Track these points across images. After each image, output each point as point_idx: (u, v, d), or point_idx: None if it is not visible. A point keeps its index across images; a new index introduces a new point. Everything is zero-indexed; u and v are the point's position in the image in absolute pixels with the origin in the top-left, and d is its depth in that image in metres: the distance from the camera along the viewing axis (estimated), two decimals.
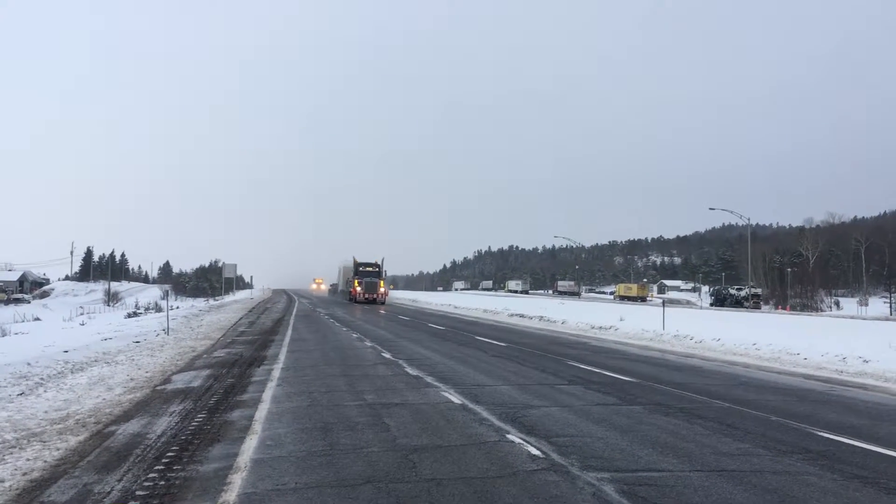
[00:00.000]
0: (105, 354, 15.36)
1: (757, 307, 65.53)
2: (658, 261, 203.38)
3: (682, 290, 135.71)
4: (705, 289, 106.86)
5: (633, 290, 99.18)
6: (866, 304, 66.29)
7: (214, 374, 12.72)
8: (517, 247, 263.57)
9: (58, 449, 6.94)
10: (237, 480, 5.62)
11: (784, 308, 71.02)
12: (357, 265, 57.77)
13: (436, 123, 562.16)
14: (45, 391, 10.43)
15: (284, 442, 7.01)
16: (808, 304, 77.02)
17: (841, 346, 15.37)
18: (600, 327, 25.49)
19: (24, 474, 6.01)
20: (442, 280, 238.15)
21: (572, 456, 6.38)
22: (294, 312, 39.99)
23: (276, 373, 12.71)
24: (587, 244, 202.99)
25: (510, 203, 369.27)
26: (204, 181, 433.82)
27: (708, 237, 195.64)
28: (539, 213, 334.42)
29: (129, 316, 44.06)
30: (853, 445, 7.09)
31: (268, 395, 10.13)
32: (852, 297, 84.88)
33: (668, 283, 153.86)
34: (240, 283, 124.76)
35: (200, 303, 65.32)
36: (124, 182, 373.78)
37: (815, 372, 13.72)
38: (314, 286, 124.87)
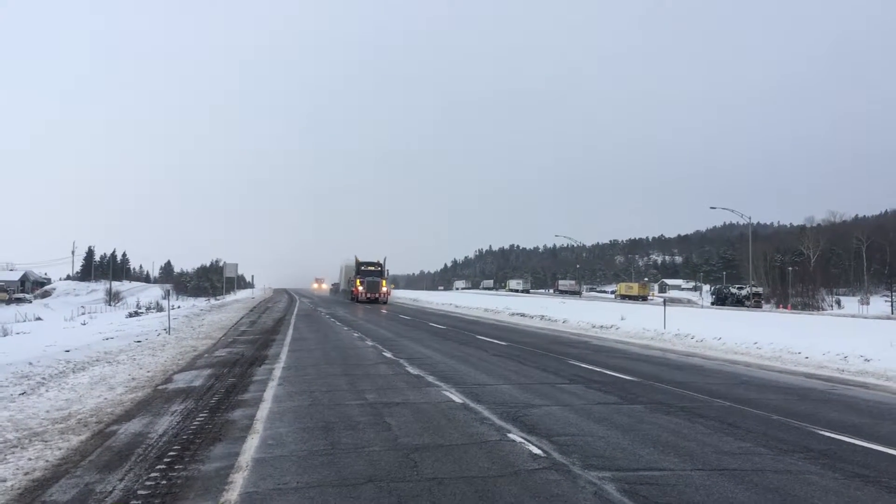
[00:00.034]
0: (106, 354, 15.38)
1: (758, 306, 65.48)
2: (659, 260, 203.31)
3: (683, 289, 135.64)
4: (706, 288, 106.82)
5: (634, 289, 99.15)
6: (867, 303, 66.23)
7: (216, 374, 12.73)
8: (518, 246, 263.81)
9: (59, 448, 6.95)
10: (239, 480, 5.63)
11: (785, 307, 71.00)
12: (359, 264, 57.32)
13: (436, 123, 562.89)
14: (46, 391, 10.44)
15: (286, 441, 7.02)
16: (809, 303, 77.03)
17: (842, 345, 15.35)
18: (601, 326, 25.48)
19: (26, 474, 6.01)
20: (443, 279, 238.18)
21: (573, 455, 6.39)
22: (295, 312, 40.00)
23: (278, 372, 12.72)
24: (588, 243, 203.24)
25: (510, 202, 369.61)
26: (204, 181, 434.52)
27: (709, 236, 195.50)
28: (540, 213, 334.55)
29: (131, 315, 44.08)
30: (854, 444, 7.09)
31: (269, 394, 10.14)
32: (853, 295, 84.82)
33: (670, 282, 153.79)
34: (241, 283, 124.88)
35: (202, 302, 65.37)
36: (124, 182, 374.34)
37: (817, 371, 13.72)
38: (315, 286, 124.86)
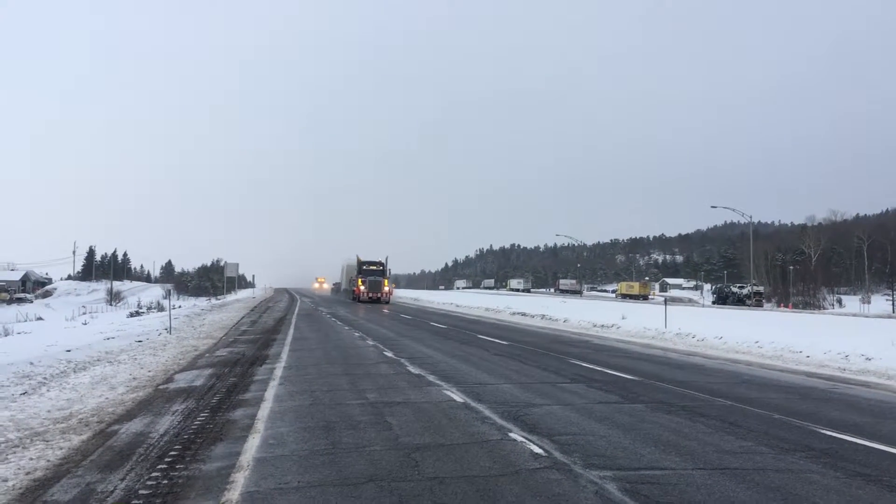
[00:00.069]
0: (107, 354, 15.39)
1: (759, 305, 65.43)
2: (660, 259, 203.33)
3: (684, 289, 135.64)
4: (707, 287, 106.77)
5: (635, 288, 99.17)
6: (869, 302, 66.17)
7: (217, 373, 12.74)
8: (519, 245, 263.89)
9: (61, 448, 6.95)
10: (240, 479, 5.63)
11: (786, 306, 70.93)
12: (361, 263, 56.97)
13: (436, 123, 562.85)
14: (48, 390, 10.45)
15: (287, 441, 7.02)
16: (810, 302, 76.95)
17: (843, 343, 15.34)
18: (602, 325, 25.47)
19: (28, 473, 6.02)
20: (444, 279, 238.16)
21: (575, 454, 6.38)
22: (296, 311, 40.02)
23: (279, 371, 12.73)
24: (589, 242, 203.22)
25: (511, 202, 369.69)
26: (204, 181, 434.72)
27: (710, 235, 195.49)
28: (540, 212, 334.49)
29: (132, 315, 44.11)
30: (856, 443, 7.09)
31: (270, 393, 10.15)
32: (854, 294, 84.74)
33: (670, 281, 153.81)
34: (241, 283, 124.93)
35: (202, 302, 65.39)
36: (125, 182, 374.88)
37: (818, 370, 13.71)
38: (316, 285, 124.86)
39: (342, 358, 15.16)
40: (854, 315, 42.45)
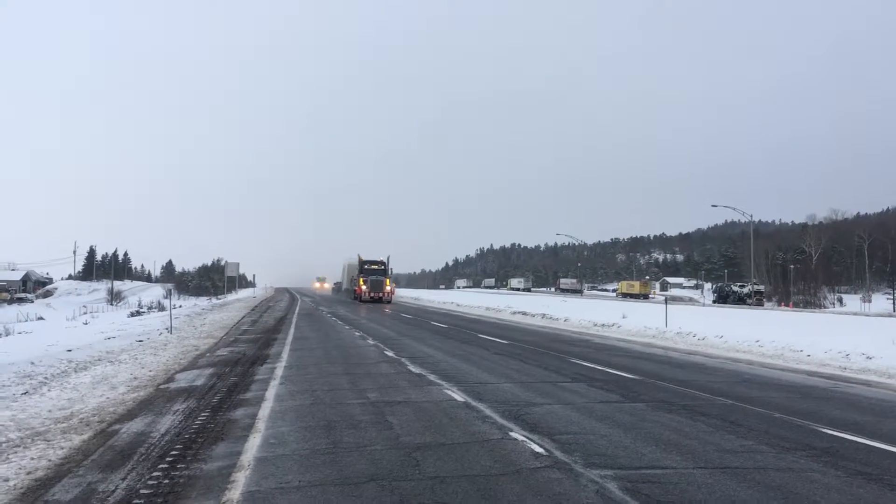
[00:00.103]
0: (108, 353, 15.39)
1: (760, 304, 65.41)
2: (660, 258, 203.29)
3: (684, 288, 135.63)
4: (708, 286, 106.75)
5: (636, 287, 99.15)
6: (869, 301, 66.19)
7: (217, 373, 12.75)
8: (519, 244, 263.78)
9: (62, 448, 6.95)
10: (241, 479, 5.63)
11: (787, 305, 70.92)
12: (362, 263, 56.50)
13: (436, 123, 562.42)
14: (48, 390, 10.45)
15: (288, 440, 7.02)
16: (810, 301, 76.93)
17: (844, 342, 15.33)
18: (603, 325, 25.47)
19: (29, 473, 6.02)
20: (444, 278, 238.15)
21: (575, 453, 6.38)
22: (296, 311, 40.03)
23: (279, 371, 12.73)
24: (589, 242, 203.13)
25: (511, 202, 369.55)
26: (204, 181, 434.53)
27: (710, 234, 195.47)
28: (540, 212, 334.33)
29: (132, 315, 44.12)
30: (857, 442, 7.08)
31: (271, 393, 10.15)
32: (855, 293, 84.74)
33: (671, 280, 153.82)
34: (242, 282, 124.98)
35: (203, 301, 65.36)
36: (125, 182, 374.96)
37: (819, 369, 13.70)
38: (317, 285, 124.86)
39: (343, 357, 15.16)
40: (855, 314, 42.43)
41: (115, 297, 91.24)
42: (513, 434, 7.19)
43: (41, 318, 52.57)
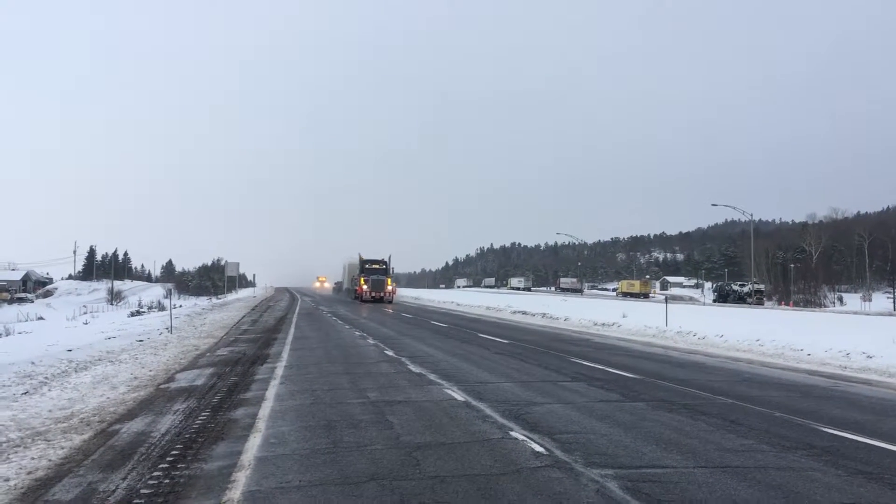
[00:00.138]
0: (109, 353, 15.40)
1: (760, 303, 65.44)
2: (661, 257, 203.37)
3: (684, 287, 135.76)
4: (708, 285, 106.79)
5: (636, 286, 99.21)
6: (870, 300, 66.23)
7: (218, 373, 12.75)
8: (519, 244, 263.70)
9: (62, 448, 6.95)
10: (241, 478, 5.63)
11: (787, 304, 70.94)
12: (363, 262, 56.15)
13: (436, 123, 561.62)
14: (49, 390, 10.45)
15: (288, 440, 7.02)
16: (811, 300, 76.94)
17: (844, 341, 15.33)
18: (603, 324, 25.47)
19: (29, 473, 6.02)
20: (444, 277, 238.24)
21: (576, 453, 6.38)
22: (297, 311, 40.03)
23: (280, 371, 12.73)
24: (589, 241, 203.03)
25: (511, 202, 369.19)
26: (204, 181, 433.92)
27: (710, 233, 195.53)
28: (541, 211, 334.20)
29: (133, 315, 44.12)
30: (857, 441, 7.08)
31: (271, 392, 10.15)
32: (855, 292, 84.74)
33: (671, 279, 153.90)
34: (242, 282, 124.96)
35: (203, 301, 65.36)
36: (125, 182, 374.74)
37: (819, 368, 13.70)
38: (317, 284, 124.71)
39: (343, 357, 15.17)
40: (855, 313, 42.43)
41: (115, 297, 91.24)
42: (513, 433, 7.19)
43: (41, 318, 52.57)
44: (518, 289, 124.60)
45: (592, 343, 19.51)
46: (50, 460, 6.45)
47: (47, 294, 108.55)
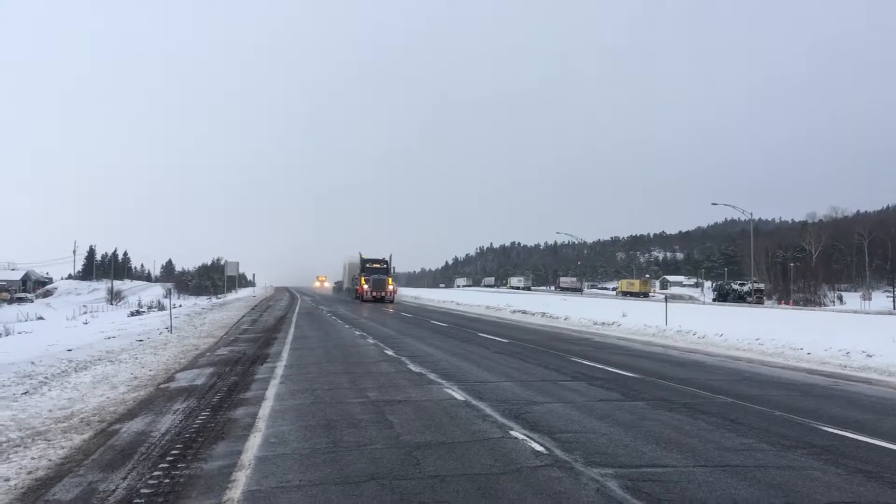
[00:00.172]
0: (108, 353, 15.40)
1: (760, 302, 65.45)
2: (660, 256, 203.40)
3: (684, 286, 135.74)
4: (708, 284, 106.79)
5: (636, 285, 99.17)
6: (869, 299, 66.22)
7: (218, 372, 12.75)
8: (519, 243, 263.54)
9: (62, 447, 6.95)
10: (241, 478, 5.63)
11: (787, 303, 70.95)
12: (364, 262, 55.72)
13: (436, 123, 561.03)
14: (49, 390, 10.45)
15: (288, 439, 7.02)
16: (810, 299, 76.92)
17: (844, 340, 15.34)
18: (603, 323, 25.48)
19: (29, 473, 6.02)
20: (444, 277, 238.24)
21: (576, 452, 6.38)
22: (296, 310, 40.04)
23: (279, 370, 12.73)
24: (589, 240, 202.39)
25: (511, 202, 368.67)
26: (204, 181, 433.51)
27: (710, 232, 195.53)
28: (540, 211, 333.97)
29: (132, 314, 44.11)
30: (857, 440, 7.09)
31: (271, 392, 10.15)
32: (855, 291, 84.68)
33: (671, 278, 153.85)
34: (242, 281, 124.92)
35: (203, 301, 65.35)
36: (125, 182, 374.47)
37: (819, 367, 13.70)
38: (317, 284, 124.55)
39: (343, 356, 15.17)
40: (855, 312, 42.44)
41: (114, 297, 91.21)
42: (513, 433, 7.19)
43: (41, 318, 52.56)
44: (518, 288, 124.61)
45: (592, 342, 19.52)
46: (50, 460, 6.45)
47: (47, 294, 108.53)
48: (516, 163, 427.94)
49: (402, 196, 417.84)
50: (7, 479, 5.81)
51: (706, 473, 5.73)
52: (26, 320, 47.05)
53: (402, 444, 6.76)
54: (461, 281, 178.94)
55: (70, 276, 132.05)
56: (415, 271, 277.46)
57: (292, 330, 23.91)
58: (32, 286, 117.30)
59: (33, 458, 6.50)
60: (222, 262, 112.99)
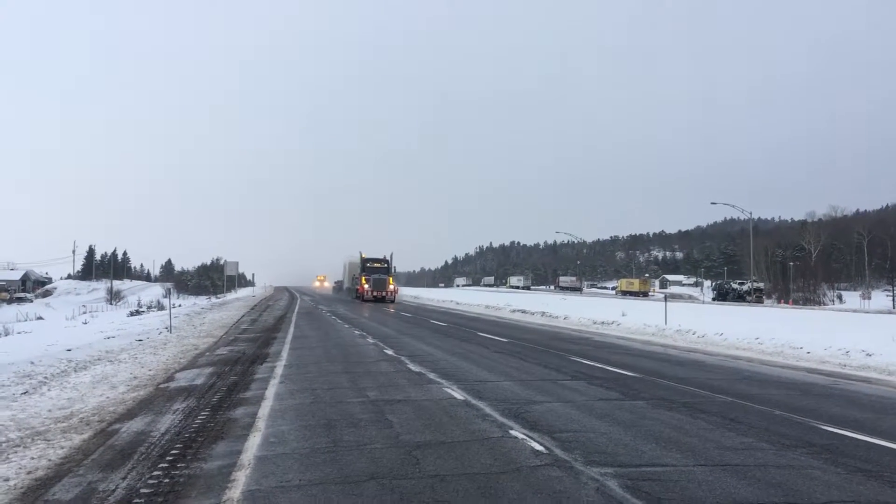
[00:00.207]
0: (108, 353, 15.39)
1: (759, 301, 65.46)
2: (660, 255, 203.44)
3: (684, 285, 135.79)
4: (707, 283, 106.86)
5: (635, 285, 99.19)
6: (869, 298, 66.21)
7: (217, 372, 12.74)
8: (518, 242, 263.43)
9: (62, 447, 6.95)
10: (241, 478, 5.63)
11: (786, 302, 70.98)
12: (364, 261, 55.33)
13: (436, 123, 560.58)
14: (48, 390, 10.45)
15: (288, 439, 7.02)
16: (810, 298, 76.90)
17: (844, 339, 15.35)
18: (602, 322, 25.48)
19: (29, 473, 6.02)
20: (443, 276, 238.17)
21: (576, 451, 6.38)
22: (296, 310, 40.03)
23: (279, 370, 12.73)
24: (589, 239, 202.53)
25: (511, 202, 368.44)
26: (204, 181, 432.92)
27: (710, 231, 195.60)
28: (540, 210, 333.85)
29: (132, 314, 44.12)
30: (857, 439, 7.09)
31: (271, 392, 10.15)
32: (855, 290, 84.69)
33: (670, 277, 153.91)
34: (241, 281, 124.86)
35: (202, 301, 65.35)
36: (124, 182, 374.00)
37: (819, 366, 13.71)
38: (317, 283, 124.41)
39: (342, 356, 15.17)
40: (854, 311, 42.46)
41: (114, 297, 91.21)
42: (513, 432, 7.19)
43: (40, 318, 52.56)
44: (517, 287, 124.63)
45: (592, 342, 19.52)
46: (50, 460, 6.45)
47: (46, 294, 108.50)
48: (516, 163, 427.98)
49: (402, 196, 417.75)
50: (7, 479, 5.80)
51: (706, 472, 5.73)
52: (25, 320, 47.04)
53: (401, 443, 6.76)
54: (460, 280, 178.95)
55: (69, 276, 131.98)
56: (414, 271, 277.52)
57: (292, 329, 23.91)
58: (32, 286, 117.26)
59: (33, 458, 6.49)
60: (222, 262, 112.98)
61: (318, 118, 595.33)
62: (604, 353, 15.93)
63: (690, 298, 79.25)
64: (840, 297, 79.94)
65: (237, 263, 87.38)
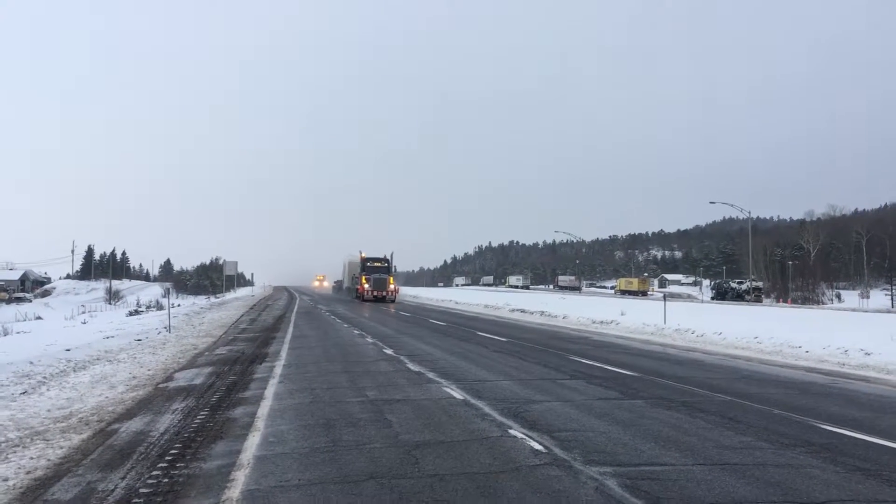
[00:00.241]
0: (107, 352, 15.38)
1: (758, 300, 65.52)
2: (659, 255, 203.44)
3: (683, 284, 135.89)
4: (706, 282, 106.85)
5: (634, 284, 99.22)
6: (868, 297, 66.27)
7: (216, 372, 12.74)
8: (517, 242, 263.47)
9: (61, 447, 6.95)
10: (240, 477, 5.63)
11: (785, 301, 71.03)
12: (364, 260, 54.81)
13: (436, 123, 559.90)
14: (47, 390, 10.44)
15: (287, 438, 7.02)
16: (809, 298, 77.00)
17: (842, 338, 15.36)
18: (601, 322, 25.49)
19: (28, 472, 6.02)
20: (443, 276, 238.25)
21: (575, 450, 6.39)
22: (295, 310, 40.01)
23: (278, 370, 12.73)
24: (587, 239, 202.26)
25: (510, 202, 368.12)
26: (204, 181, 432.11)
27: (709, 231, 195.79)
28: (540, 210, 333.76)
29: (131, 314, 44.10)
30: (856, 438, 7.10)
31: (270, 391, 10.15)
32: (853, 289, 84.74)
33: (669, 277, 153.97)
34: (241, 281, 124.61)
35: (202, 300, 65.31)
36: (124, 182, 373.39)
37: (817, 365, 13.72)
38: (316, 283, 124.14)
39: (341, 356, 15.16)
40: (853, 310, 42.50)
41: (113, 297, 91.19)
42: (512, 431, 7.20)
43: (39, 318, 52.56)
44: (516, 287, 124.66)
45: (591, 341, 19.53)
46: (49, 460, 6.45)
47: (45, 294, 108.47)
48: (516, 163, 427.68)
49: (402, 196, 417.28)
50: (6, 479, 5.80)
51: (705, 472, 5.73)
52: (24, 320, 47.02)
53: (401, 443, 6.77)
54: (460, 280, 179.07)
55: (68, 276, 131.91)
56: (413, 270, 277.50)
57: (291, 329, 23.90)
58: (31, 286, 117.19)
59: (32, 458, 6.49)
60: (221, 262, 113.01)
61: (318, 118, 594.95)
62: (603, 353, 15.93)
63: (689, 298, 79.32)
64: (839, 297, 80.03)
65: (236, 263, 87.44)
